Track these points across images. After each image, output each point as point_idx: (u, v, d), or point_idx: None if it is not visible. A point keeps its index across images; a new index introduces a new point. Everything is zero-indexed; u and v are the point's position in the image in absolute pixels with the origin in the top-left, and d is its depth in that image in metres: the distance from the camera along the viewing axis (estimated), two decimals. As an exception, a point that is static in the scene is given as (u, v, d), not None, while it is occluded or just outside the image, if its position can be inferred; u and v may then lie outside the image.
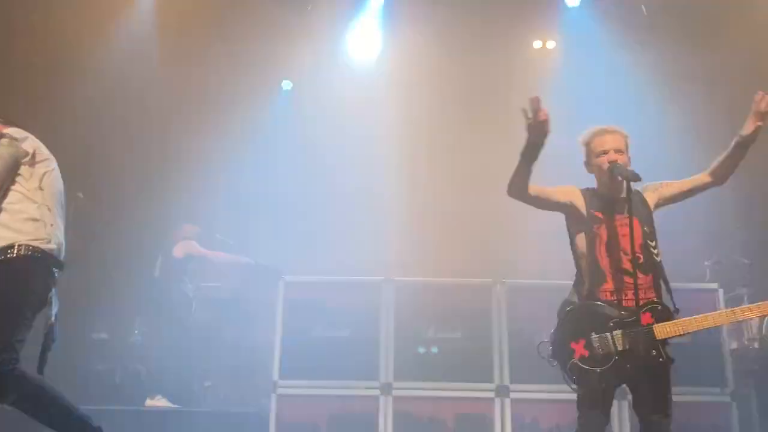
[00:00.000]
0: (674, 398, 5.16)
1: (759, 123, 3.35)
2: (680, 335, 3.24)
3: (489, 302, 5.68)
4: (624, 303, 3.32)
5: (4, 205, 3.29)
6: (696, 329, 3.28)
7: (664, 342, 3.22)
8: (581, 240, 3.47)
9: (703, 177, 3.60)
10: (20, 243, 3.24)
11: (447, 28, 8.01)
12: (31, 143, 3.42)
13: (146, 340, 7.01)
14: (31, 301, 3.28)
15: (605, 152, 3.48)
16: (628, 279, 3.33)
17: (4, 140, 3.32)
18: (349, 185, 8.86)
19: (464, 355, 5.57)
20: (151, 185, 8.51)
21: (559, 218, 3.63)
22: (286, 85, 9.39)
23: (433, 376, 5.49)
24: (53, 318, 3.37)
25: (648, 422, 3.26)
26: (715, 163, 3.55)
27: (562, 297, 3.52)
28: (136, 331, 7.03)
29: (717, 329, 5.54)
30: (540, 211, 3.62)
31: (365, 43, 8.89)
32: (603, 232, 3.43)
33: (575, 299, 3.45)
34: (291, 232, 8.50)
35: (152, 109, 8.39)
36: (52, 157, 3.53)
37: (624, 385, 3.47)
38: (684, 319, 3.24)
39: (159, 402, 6.16)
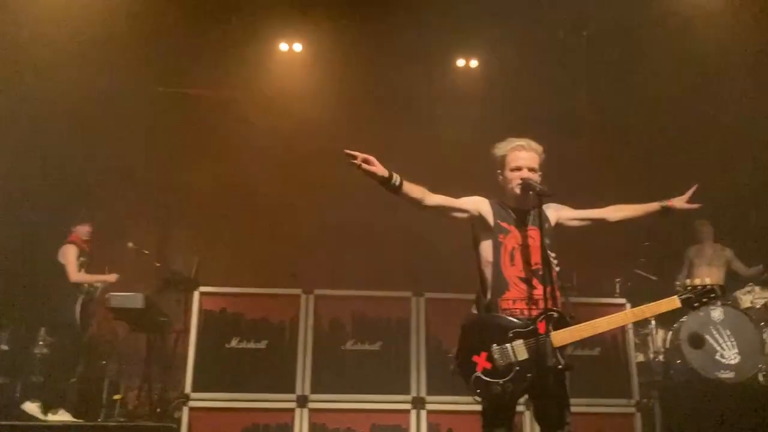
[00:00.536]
0: (583, 410, 5.37)
1: (685, 207, 3.68)
2: (587, 343, 3.35)
3: (408, 315, 5.71)
4: (524, 312, 3.41)
5: None
6: (591, 334, 3.40)
7: (563, 349, 3.32)
8: (486, 249, 3.55)
9: (601, 213, 3.78)
10: None
11: (370, 45, 8.02)
12: None
13: (51, 351, 6.68)
14: None
15: (519, 168, 3.58)
16: (529, 289, 3.44)
17: None
18: (269, 197, 8.77)
19: (382, 367, 5.58)
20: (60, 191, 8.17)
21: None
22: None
23: (350, 388, 5.46)
24: None
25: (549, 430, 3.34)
26: (619, 212, 3.77)
27: (479, 310, 3.56)
28: (41, 342, 6.68)
29: (624, 343, 5.77)
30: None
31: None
32: (508, 243, 3.53)
33: (475, 310, 3.53)
34: (209, 243, 8.32)
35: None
36: None
37: (527, 396, 3.54)
38: (579, 325, 3.33)
39: (61, 416, 5.88)
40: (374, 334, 5.64)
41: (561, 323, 3.32)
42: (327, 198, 8.89)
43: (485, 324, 3.41)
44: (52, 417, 5.90)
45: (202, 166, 8.69)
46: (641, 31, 7.57)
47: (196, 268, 6.68)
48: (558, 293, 3.49)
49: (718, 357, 6.37)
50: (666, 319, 7.63)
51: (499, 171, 3.69)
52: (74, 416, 5.96)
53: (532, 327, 3.32)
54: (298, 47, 8.59)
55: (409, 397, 5.47)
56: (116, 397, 6.59)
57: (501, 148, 3.67)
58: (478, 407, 3.43)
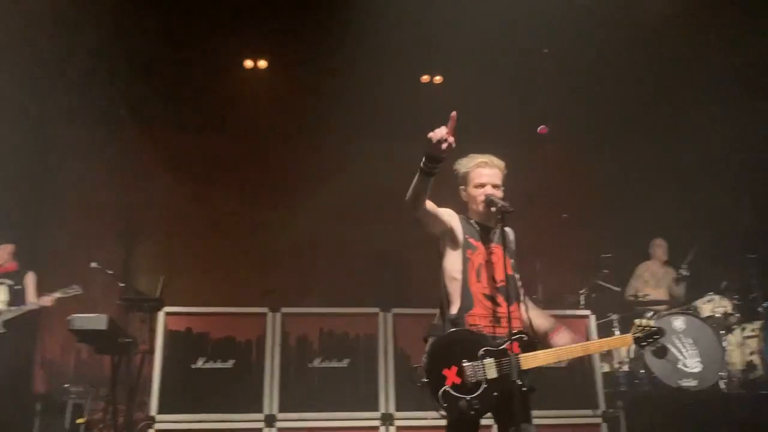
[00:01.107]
0: (550, 421, 5.43)
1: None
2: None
3: (376, 331, 5.71)
4: (488, 330, 3.44)
5: None
6: (555, 361, 3.50)
7: (528, 371, 3.36)
8: (453, 263, 3.56)
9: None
10: None
11: (333, 60, 8.05)
12: None
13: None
14: None
15: (483, 185, 3.63)
16: (493, 306, 3.47)
17: None
18: (234, 215, 8.73)
19: (350, 384, 5.57)
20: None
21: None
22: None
23: (318, 406, 5.43)
24: None
25: None
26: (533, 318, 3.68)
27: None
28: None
29: (590, 355, 5.84)
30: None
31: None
32: (475, 259, 3.56)
33: (441, 324, 3.53)
34: (174, 262, 8.24)
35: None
36: None
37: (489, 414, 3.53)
38: (546, 350, 3.45)
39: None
40: (342, 351, 5.63)
41: (529, 346, 3.38)
42: (293, 215, 8.88)
43: (457, 338, 3.41)
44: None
45: (166, 183, 8.62)
46: (603, 45, 7.71)
47: (161, 287, 6.59)
48: (522, 312, 3.55)
49: (680, 366, 6.49)
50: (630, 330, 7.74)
51: (462, 187, 3.73)
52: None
53: (503, 347, 3.35)
54: (263, 64, 8.58)
55: (377, 414, 5.46)
56: (80, 420, 6.47)
57: (464, 165, 3.70)
58: (445, 423, 3.44)
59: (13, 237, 7.56)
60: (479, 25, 7.28)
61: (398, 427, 5.42)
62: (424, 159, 3.23)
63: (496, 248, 3.60)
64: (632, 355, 7.07)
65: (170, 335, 5.55)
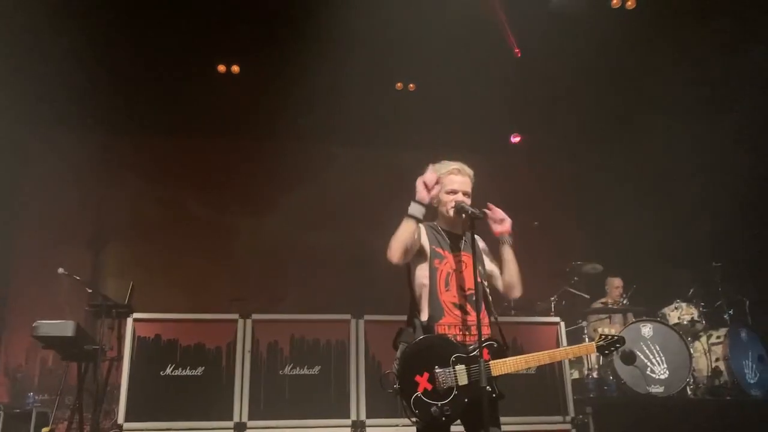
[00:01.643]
0: (521, 428, 5.46)
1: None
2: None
3: (347, 338, 5.69)
4: (460, 338, 3.46)
5: None
6: (524, 368, 3.54)
7: (497, 378, 3.39)
8: (420, 273, 3.57)
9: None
10: None
11: (306, 67, 8.03)
12: None
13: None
14: None
15: (454, 192, 3.64)
16: (462, 315, 3.49)
17: None
18: (203, 219, 8.65)
19: (322, 391, 5.54)
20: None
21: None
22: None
23: (288, 414, 5.39)
24: None
25: None
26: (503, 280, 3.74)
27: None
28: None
29: (560, 362, 5.89)
30: (396, 244, 3.70)
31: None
32: (443, 268, 3.57)
33: (411, 330, 3.52)
34: (143, 268, 8.14)
35: None
36: None
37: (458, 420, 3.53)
38: (516, 357, 3.46)
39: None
40: (313, 358, 5.61)
41: (499, 353, 3.40)
42: (264, 221, 8.83)
43: (430, 345, 3.42)
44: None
45: (136, 189, 8.52)
46: (573, 56, 7.81)
47: (130, 293, 6.50)
48: (490, 318, 3.56)
49: (648, 372, 6.57)
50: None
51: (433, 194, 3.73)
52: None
53: (474, 354, 3.37)
54: (235, 69, 8.52)
55: (348, 421, 5.44)
56: (45, 429, 6.32)
57: (436, 170, 3.68)
58: (416, 429, 3.44)
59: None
60: (452, 33, 7.35)
61: (369, 434, 5.41)
62: (412, 205, 3.40)
63: (465, 256, 3.61)
64: (601, 362, 7.14)
65: (139, 342, 5.48)
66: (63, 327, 5.99)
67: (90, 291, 6.74)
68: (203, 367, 5.47)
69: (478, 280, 3.52)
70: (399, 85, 8.93)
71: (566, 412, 5.75)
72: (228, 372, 5.47)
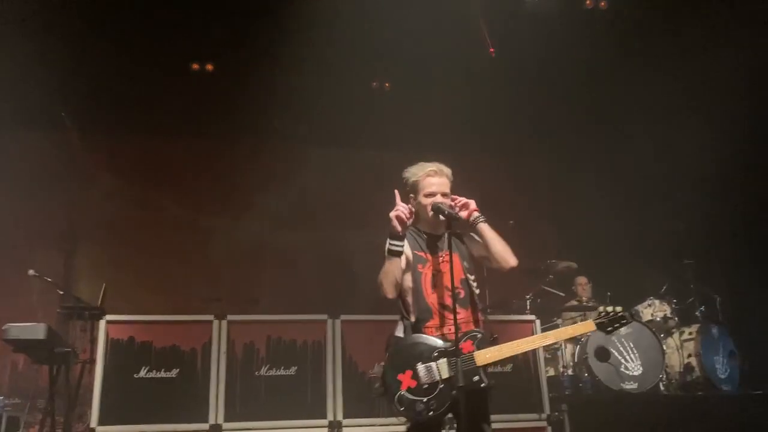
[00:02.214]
0: (497, 426, 5.44)
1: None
2: (499, 360, 3.44)
3: (324, 338, 5.67)
4: (449, 338, 3.45)
5: None
6: (511, 354, 3.52)
7: (485, 368, 3.39)
8: (407, 277, 3.57)
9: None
10: None
11: (281, 66, 7.97)
12: None
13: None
14: None
15: (432, 194, 3.65)
16: (450, 315, 3.48)
17: None
18: (178, 219, 8.57)
19: (298, 391, 5.51)
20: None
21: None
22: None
23: (265, 415, 5.36)
24: None
25: None
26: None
27: (396, 332, 3.57)
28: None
29: (535, 360, 5.94)
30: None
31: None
32: (427, 271, 3.59)
33: (401, 333, 3.54)
34: (116, 269, 8.04)
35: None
36: None
37: (450, 415, 3.55)
38: (501, 345, 3.46)
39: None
40: (289, 358, 5.57)
41: (484, 343, 3.41)
42: (240, 221, 8.77)
43: (410, 344, 3.44)
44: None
45: (109, 189, 8.41)
46: (548, 56, 7.87)
47: (103, 295, 6.42)
48: (480, 315, 3.58)
49: (622, 369, 6.65)
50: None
51: (411, 196, 3.73)
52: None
53: (455, 347, 3.37)
54: (209, 67, 8.43)
55: (325, 422, 5.41)
56: (16, 433, 6.24)
57: (413, 174, 3.70)
58: (393, 429, 3.45)
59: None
60: (429, 32, 7.35)
61: (346, 434, 5.40)
62: (389, 242, 3.40)
63: (447, 256, 3.59)
64: (576, 359, 7.21)
65: (112, 344, 5.40)
66: (34, 330, 5.88)
67: (62, 293, 6.64)
68: (178, 369, 5.40)
69: (462, 276, 3.56)
70: (375, 84, 8.94)
71: (542, 409, 5.79)
72: (203, 374, 5.41)
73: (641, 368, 6.67)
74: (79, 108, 8.28)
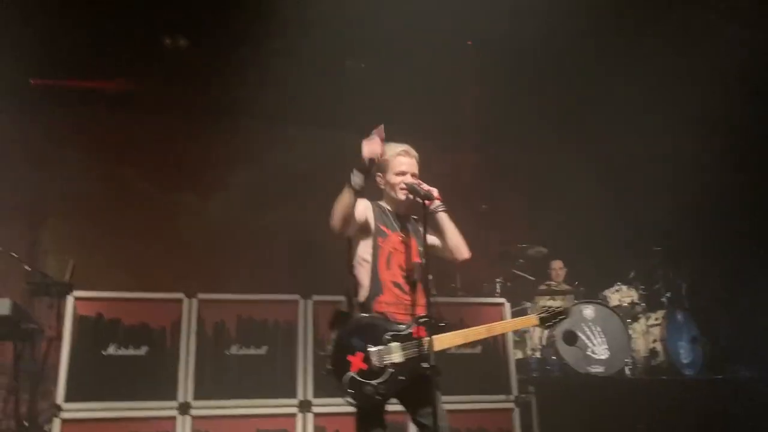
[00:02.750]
0: (465, 406, 5.55)
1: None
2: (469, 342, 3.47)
3: (295, 318, 5.66)
4: (398, 317, 3.49)
5: None
6: (462, 342, 3.61)
7: (434, 355, 3.38)
8: (363, 249, 3.59)
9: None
10: None
11: (254, 43, 7.85)
12: None
13: None
14: None
15: (403, 173, 3.67)
16: (402, 294, 3.53)
17: None
18: (148, 195, 8.44)
19: (269, 371, 5.50)
20: None
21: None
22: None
23: (234, 394, 5.34)
24: None
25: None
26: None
27: (366, 313, 3.57)
28: None
29: (504, 342, 6.00)
30: (335, 212, 3.69)
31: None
32: (386, 246, 3.61)
33: (346, 309, 3.53)
34: (84, 244, 7.91)
35: None
36: None
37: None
38: (451, 333, 3.50)
39: None
40: (260, 338, 5.55)
41: (434, 329, 3.39)
42: (211, 199, 8.68)
43: (363, 324, 3.43)
44: None
45: (77, 162, 8.25)
46: (525, 40, 7.86)
47: (71, 271, 6.32)
48: (431, 299, 3.57)
49: (589, 353, 6.76)
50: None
51: (380, 174, 3.74)
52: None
53: (408, 331, 3.41)
54: (183, 43, 8.27)
55: (295, 401, 5.42)
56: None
57: (383, 152, 3.69)
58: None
59: None
60: (405, 14, 7.30)
61: (316, 414, 5.41)
62: (354, 174, 3.36)
63: (408, 236, 3.66)
64: (544, 342, 7.31)
65: (80, 321, 5.32)
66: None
67: (28, 268, 6.54)
68: (147, 347, 5.35)
69: (417, 259, 3.59)
70: (349, 63, 8.84)
71: (510, 391, 5.85)
72: (172, 352, 5.37)
73: (608, 352, 6.79)
74: (47, 80, 8.08)
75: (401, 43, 7.94)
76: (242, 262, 8.50)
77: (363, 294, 3.51)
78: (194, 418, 5.23)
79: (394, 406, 3.51)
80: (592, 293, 7.82)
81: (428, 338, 3.33)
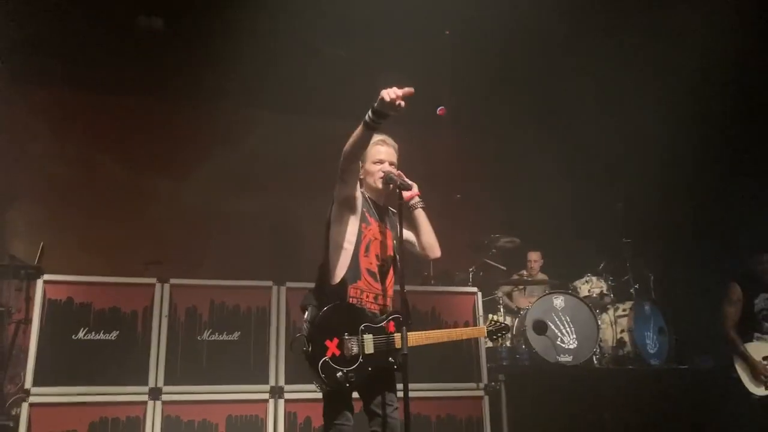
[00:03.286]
0: (436, 394, 5.62)
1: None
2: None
3: (268, 304, 5.66)
4: (369, 306, 3.54)
5: None
6: (424, 343, 3.66)
7: (398, 350, 3.45)
8: (351, 232, 3.58)
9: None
10: None
11: (231, 26, 7.77)
12: None
13: None
14: None
15: (381, 162, 3.70)
16: (373, 282, 3.58)
17: None
18: (119, 179, 8.35)
19: (241, 357, 5.50)
20: None
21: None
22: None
23: (206, 379, 5.34)
24: None
25: (379, 420, 3.47)
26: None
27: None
28: None
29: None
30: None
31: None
32: (367, 233, 3.63)
33: (321, 293, 3.53)
34: (55, 227, 7.81)
35: None
36: None
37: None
38: (418, 332, 3.61)
39: None
40: (233, 324, 5.54)
41: (403, 327, 3.42)
42: (184, 184, 8.61)
43: (341, 310, 3.45)
44: None
45: (48, 145, 8.13)
46: (501, 31, 7.89)
47: (40, 253, 6.25)
48: (401, 294, 3.60)
49: (558, 342, 6.87)
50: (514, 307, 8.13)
51: (360, 164, 3.75)
52: None
53: (381, 324, 3.47)
54: (158, 22, 8.13)
55: (267, 387, 5.44)
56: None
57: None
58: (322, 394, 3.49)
59: None
60: (385, 2, 7.29)
61: (287, 400, 5.43)
62: (371, 114, 3.26)
63: (385, 227, 3.71)
64: (515, 332, 7.40)
65: (49, 304, 5.26)
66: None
67: (-4, 251, 6.45)
68: (118, 332, 5.31)
69: (390, 253, 3.65)
70: (327, 50, 8.78)
71: (480, 379, 5.93)
72: (144, 337, 5.34)
73: (576, 342, 6.90)
74: (18, 60, 7.92)
75: (379, 31, 7.92)
76: (216, 247, 8.46)
77: (338, 278, 3.51)
78: (165, 403, 5.22)
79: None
80: (562, 284, 7.94)
81: (399, 334, 3.41)
